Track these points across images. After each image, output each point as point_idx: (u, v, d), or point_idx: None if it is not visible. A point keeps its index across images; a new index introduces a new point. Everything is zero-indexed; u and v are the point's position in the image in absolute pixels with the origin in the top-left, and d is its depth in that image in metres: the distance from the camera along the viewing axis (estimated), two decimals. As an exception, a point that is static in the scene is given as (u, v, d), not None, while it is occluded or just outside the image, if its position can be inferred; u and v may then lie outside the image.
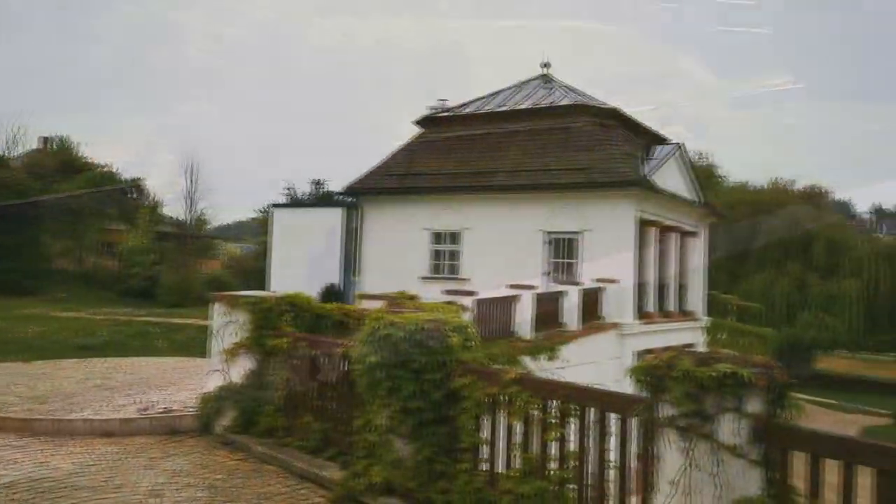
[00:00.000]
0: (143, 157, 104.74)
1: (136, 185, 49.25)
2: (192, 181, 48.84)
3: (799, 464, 4.43)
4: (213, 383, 9.84)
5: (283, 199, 48.54)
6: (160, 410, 10.20)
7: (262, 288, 25.51)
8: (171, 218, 52.35)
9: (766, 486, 4.43)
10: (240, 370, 9.63)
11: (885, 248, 50.96)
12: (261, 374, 9.51)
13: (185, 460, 8.36)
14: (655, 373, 4.77)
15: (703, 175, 42.15)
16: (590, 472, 5.63)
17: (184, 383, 12.83)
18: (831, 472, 4.28)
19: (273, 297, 9.94)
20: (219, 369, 9.80)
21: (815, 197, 60.07)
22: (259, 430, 9.18)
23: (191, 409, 10.16)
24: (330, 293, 24.95)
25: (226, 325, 9.80)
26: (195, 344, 19.08)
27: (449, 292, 16.51)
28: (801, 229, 49.64)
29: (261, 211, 53.57)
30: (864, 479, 4.12)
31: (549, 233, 23.53)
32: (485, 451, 6.50)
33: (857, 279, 47.04)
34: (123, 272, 42.95)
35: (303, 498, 7.19)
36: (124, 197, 47.48)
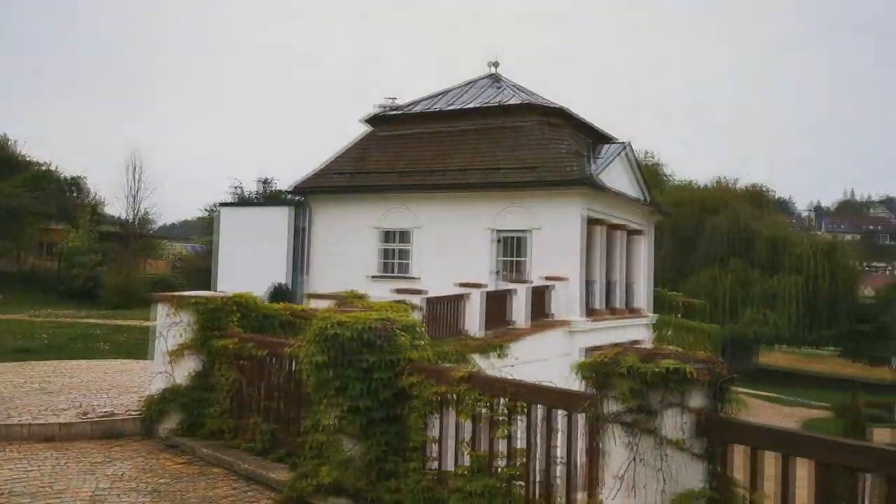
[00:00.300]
0: (84, 155, 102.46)
1: (76, 184, 47.98)
2: (135, 179, 47.88)
3: (741, 457, 4.53)
4: (157, 385, 9.65)
5: (230, 198, 47.80)
6: (102, 414, 9.95)
7: (209, 288, 25.12)
8: (115, 217, 51.21)
9: (709, 478, 4.51)
10: (185, 372, 9.45)
11: (824, 245, 52.46)
12: (207, 375, 9.37)
13: (129, 465, 8.19)
14: (601, 369, 4.83)
15: (650, 174, 42.83)
16: (537, 468, 5.67)
17: (127, 386, 12.57)
18: (770, 463, 4.38)
19: (220, 298, 9.78)
20: (163, 371, 9.61)
21: (757, 195, 61.53)
22: (205, 433, 9.04)
23: (134, 413, 9.95)
24: (278, 293, 24.71)
25: (170, 326, 9.60)
26: (139, 346, 18.72)
27: (399, 291, 16.53)
28: (744, 227, 50.81)
29: (207, 210, 52.72)
30: (802, 471, 4.22)
31: (499, 231, 23.67)
32: (434, 449, 6.50)
33: (797, 276, 48.31)
34: (64, 273, 41.82)
35: (250, 500, 7.10)
36: (65, 196, 46.20)
